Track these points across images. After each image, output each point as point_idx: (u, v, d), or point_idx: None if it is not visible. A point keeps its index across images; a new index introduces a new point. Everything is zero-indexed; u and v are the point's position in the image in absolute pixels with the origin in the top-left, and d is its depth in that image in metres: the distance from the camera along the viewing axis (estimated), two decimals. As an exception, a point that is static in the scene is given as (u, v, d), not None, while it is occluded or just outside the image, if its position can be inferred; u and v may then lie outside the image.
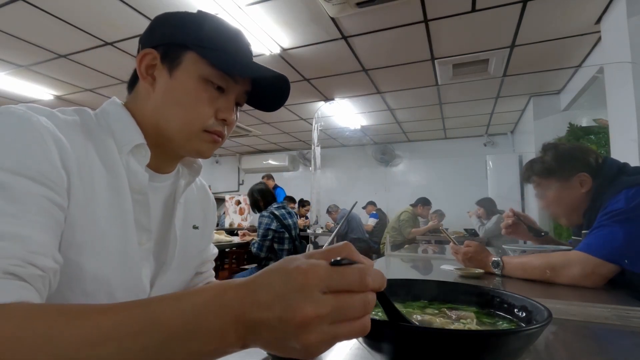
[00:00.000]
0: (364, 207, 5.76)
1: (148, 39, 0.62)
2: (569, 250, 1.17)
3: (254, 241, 3.17)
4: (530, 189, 4.72)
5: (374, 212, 5.65)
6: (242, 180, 8.08)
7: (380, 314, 0.50)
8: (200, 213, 0.76)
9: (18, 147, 0.44)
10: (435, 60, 3.28)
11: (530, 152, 4.41)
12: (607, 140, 2.56)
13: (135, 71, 0.63)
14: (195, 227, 0.73)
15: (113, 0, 2.39)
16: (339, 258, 0.33)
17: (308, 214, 6.08)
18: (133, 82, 0.65)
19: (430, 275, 1.39)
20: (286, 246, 3.10)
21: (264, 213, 3.11)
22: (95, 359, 0.31)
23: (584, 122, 3.37)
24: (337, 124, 5.41)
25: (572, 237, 1.36)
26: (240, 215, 5.48)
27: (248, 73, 0.60)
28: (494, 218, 3.98)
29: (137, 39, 0.64)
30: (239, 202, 5.50)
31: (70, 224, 0.48)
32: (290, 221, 3.14)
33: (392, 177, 6.61)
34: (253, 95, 0.67)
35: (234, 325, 0.32)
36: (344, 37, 2.88)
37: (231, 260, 4.54)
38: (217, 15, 0.63)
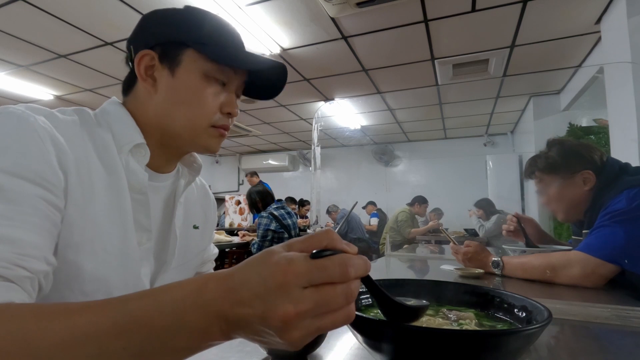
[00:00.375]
0: (364, 207, 5.76)
1: (141, 40, 0.62)
2: (569, 250, 1.17)
3: (254, 242, 3.18)
4: (530, 189, 4.72)
5: (375, 212, 5.65)
6: (242, 180, 8.08)
7: (379, 315, 0.51)
8: (200, 213, 0.76)
9: (15, 147, 0.44)
10: (435, 60, 3.28)
11: (530, 152, 4.40)
12: (607, 140, 2.56)
13: (130, 73, 0.63)
14: (195, 227, 0.73)
15: (113, 0, 2.39)
16: (319, 250, 0.32)
17: (308, 214, 6.08)
18: (129, 83, 0.64)
19: (429, 276, 1.39)
20: None
21: (263, 214, 3.12)
22: (74, 359, 0.30)
23: (584, 122, 3.37)
24: (337, 124, 5.40)
25: (573, 237, 1.36)
26: (240, 215, 5.49)
27: (249, 65, 0.60)
28: (494, 218, 3.98)
29: (137, 39, 0.64)
30: (239, 202, 5.50)
31: (67, 224, 0.48)
32: (289, 221, 3.15)
33: (392, 177, 6.61)
34: (249, 85, 0.67)
35: (217, 322, 0.32)
36: (344, 37, 2.88)
37: (231, 260, 4.54)
38: (206, 9, 0.63)
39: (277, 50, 3.05)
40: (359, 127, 5.54)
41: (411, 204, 4.55)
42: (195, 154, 0.72)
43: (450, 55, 3.18)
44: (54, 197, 0.46)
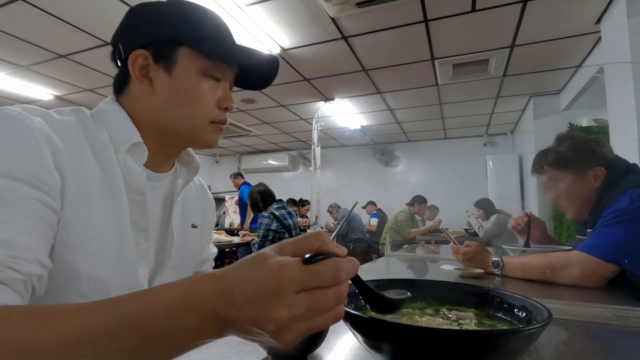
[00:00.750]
0: (364, 207, 5.76)
1: (131, 39, 0.60)
2: (569, 250, 1.17)
3: (254, 241, 3.18)
4: (530, 189, 4.72)
5: (375, 212, 5.65)
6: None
7: (379, 315, 0.51)
8: (198, 212, 0.76)
9: (10, 149, 0.44)
10: (435, 60, 3.28)
11: (530, 152, 4.41)
12: (607, 140, 2.56)
13: (121, 72, 0.62)
14: (193, 226, 0.73)
15: (113, 0, 2.39)
16: (311, 254, 0.32)
17: (308, 214, 6.09)
18: (121, 83, 0.63)
19: (429, 276, 1.39)
20: None
21: (264, 214, 3.12)
22: None
23: (584, 122, 3.37)
24: (337, 124, 5.40)
25: (577, 237, 1.34)
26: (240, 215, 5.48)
27: (244, 59, 0.61)
28: (493, 218, 3.98)
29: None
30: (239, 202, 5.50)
31: (64, 225, 0.48)
32: (290, 221, 3.16)
33: (392, 177, 6.61)
34: (241, 76, 0.68)
35: (211, 322, 0.32)
36: (344, 37, 2.88)
37: (231, 260, 4.55)
38: (195, 3, 0.61)
39: (277, 50, 3.05)
40: (359, 127, 5.54)
41: (411, 204, 4.55)
42: (193, 154, 0.72)
43: (450, 55, 3.18)
44: (49, 199, 0.45)
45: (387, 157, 6.53)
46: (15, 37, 2.87)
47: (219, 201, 5.89)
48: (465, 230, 4.69)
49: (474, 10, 2.49)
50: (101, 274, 0.52)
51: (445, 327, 0.45)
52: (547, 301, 0.68)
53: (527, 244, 1.38)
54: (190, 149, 0.71)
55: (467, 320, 0.46)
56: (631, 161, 1.16)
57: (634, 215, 0.98)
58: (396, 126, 5.60)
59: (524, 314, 0.46)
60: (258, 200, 3.22)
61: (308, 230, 5.49)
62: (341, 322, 0.43)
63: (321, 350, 0.52)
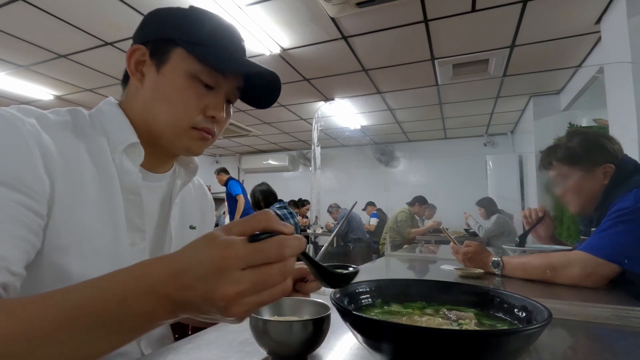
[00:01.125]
0: (363, 209, 5.76)
1: (139, 36, 0.62)
2: (569, 250, 1.17)
3: None
4: (530, 190, 4.72)
5: (375, 212, 5.65)
6: (242, 180, 8.08)
7: (379, 315, 0.51)
8: (197, 213, 0.76)
9: None
10: (435, 60, 3.28)
11: (530, 152, 4.41)
12: (607, 140, 2.55)
13: (126, 69, 0.63)
14: (192, 227, 0.73)
15: (113, 0, 2.38)
16: (257, 233, 0.34)
17: (308, 214, 6.09)
18: (124, 78, 0.65)
19: (429, 276, 1.39)
20: None
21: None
22: (30, 350, 0.32)
23: (584, 122, 3.37)
24: (337, 124, 5.40)
25: (581, 237, 1.34)
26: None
27: (236, 70, 0.59)
28: (493, 218, 3.98)
29: (137, 39, 0.64)
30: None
31: (54, 228, 0.48)
32: (292, 221, 3.18)
33: (392, 177, 6.61)
34: (246, 92, 0.66)
35: (162, 304, 0.34)
36: (344, 37, 2.88)
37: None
38: (209, 10, 0.62)
39: (277, 50, 3.05)
40: (359, 127, 5.54)
41: (411, 204, 4.55)
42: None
43: (450, 55, 3.18)
44: (34, 203, 0.45)
45: (387, 157, 6.53)
46: (15, 37, 2.87)
47: (219, 201, 5.89)
48: (465, 230, 4.69)
49: (474, 10, 2.49)
50: (94, 275, 0.52)
51: (445, 327, 0.45)
52: (547, 301, 0.67)
53: (522, 239, 1.38)
54: None
55: (467, 320, 0.46)
56: (633, 162, 1.15)
57: (637, 215, 0.97)
58: (396, 126, 5.60)
59: (524, 314, 0.46)
60: (260, 199, 3.24)
61: (308, 231, 5.50)
62: (341, 322, 0.43)
63: (321, 350, 0.52)
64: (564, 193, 1.22)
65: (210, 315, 0.34)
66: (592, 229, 1.12)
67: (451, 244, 1.38)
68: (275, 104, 4.83)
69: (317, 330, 0.48)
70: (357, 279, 0.56)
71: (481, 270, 1.18)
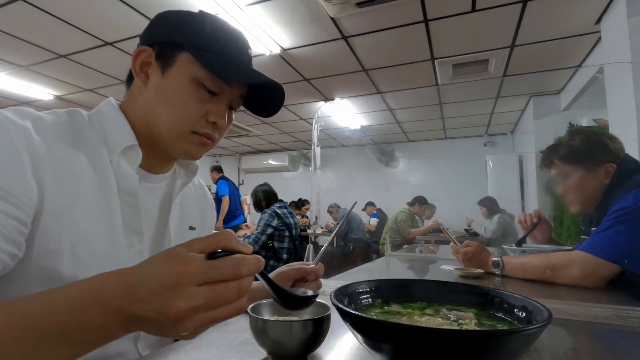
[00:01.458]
0: (363, 209, 5.75)
1: (146, 37, 0.62)
2: (570, 250, 1.17)
3: (247, 234, 3.23)
4: (530, 190, 4.72)
5: (374, 212, 5.65)
6: (242, 180, 8.08)
7: (379, 315, 0.51)
8: (197, 213, 0.76)
9: None
10: (435, 60, 3.28)
11: (530, 152, 4.41)
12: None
13: (130, 69, 0.63)
14: (191, 228, 0.72)
15: (113, 0, 2.38)
16: (216, 250, 0.35)
17: (307, 214, 6.09)
18: (129, 78, 0.65)
19: (429, 276, 1.39)
20: (286, 244, 3.16)
21: (267, 210, 3.20)
22: None
23: (584, 122, 3.37)
24: (337, 124, 5.40)
25: (582, 237, 1.34)
26: (241, 215, 5.47)
27: (241, 78, 0.59)
28: (495, 218, 3.98)
29: (137, 39, 0.64)
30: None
31: (43, 234, 0.48)
32: (291, 220, 3.22)
33: (392, 177, 6.61)
34: (249, 100, 0.66)
35: (115, 318, 0.34)
36: (344, 37, 2.88)
37: (231, 260, 4.55)
38: (218, 16, 0.62)
39: (277, 50, 3.05)
40: (359, 127, 5.54)
41: (411, 204, 4.55)
42: None
43: (450, 55, 3.18)
44: (15, 210, 0.45)
45: (387, 157, 6.53)
46: (15, 37, 2.87)
47: (219, 201, 5.88)
48: (465, 230, 4.69)
49: (474, 10, 2.49)
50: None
51: (445, 327, 0.45)
52: (547, 301, 0.67)
53: (520, 243, 1.38)
54: None
55: (467, 321, 0.46)
56: (632, 161, 1.15)
57: (637, 215, 0.97)
58: (396, 126, 5.60)
59: (524, 314, 0.46)
60: (261, 199, 3.29)
61: (308, 231, 5.50)
62: (341, 322, 0.43)
63: (321, 350, 0.52)
64: (565, 192, 1.21)
65: (164, 330, 0.34)
66: (593, 229, 1.12)
67: (451, 244, 1.38)
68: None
69: (317, 330, 0.48)
70: (357, 279, 0.56)
71: (481, 270, 1.18)
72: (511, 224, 3.87)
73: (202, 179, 0.84)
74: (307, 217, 6.08)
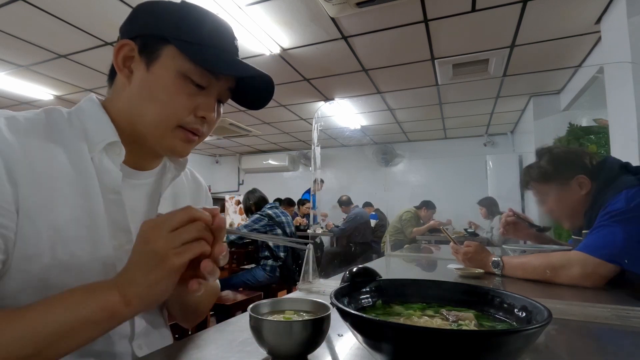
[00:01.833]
0: None
1: (127, 29, 0.60)
2: (569, 250, 1.17)
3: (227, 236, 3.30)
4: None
5: (373, 212, 5.63)
6: (242, 180, 8.08)
7: (379, 315, 0.51)
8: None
9: None
10: (435, 60, 3.28)
11: (530, 152, 4.40)
12: (607, 140, 2.56)
13: (112, 64, 0.61)
14: None
15: (113, 0, 2.38)
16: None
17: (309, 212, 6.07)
18: (111, 74, 0.63)
19: (429, 276, 1.39)
20: (281, 242, 3.19)
21: (257, 213, 3.29)
22: None
23: (584, 122, 3.37)
24: (337, 124, 5.40)
25: (573, 237, 1.36)
26: (241, 215, 5.49)
27: (230, 71, 0.57)
28: (496, 219, 3.98)
29: (137, 39, 0.64)
30: (238, 202, 5.50)
31: (21, 237, 0.47)
32: (283, 219, 3.28)
33: (392, 177, 6.61)
34: (237, 92, 0.65)
35: (112, 289, 0.47)
36: (344, 37, 2.88)
37: (231, 260, 4.54)
38: (203, 7, 0.60)
39: (277, 50, 3.05)
40: (359, 127, 5.53)
41: (418, 207, 4.55)
42: None
43: (450, 55, 3.18)
44: None
45: (387, 157, 6.52)
46: (15, 37, 2.86)
47: (219, 201, 5.88)
48: (465, 230, 4.69)
49: (474, 10, 2.49)
50: (74, 283, 0.50)
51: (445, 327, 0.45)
52: (547, 301, 0.67)
53: (540, 229, 1.42)
54: None
55: (467, 321, 0.46)
56: (631, 161, 1.16)
57: (632, 215, 0.98)
58: (396, 126, 5.60)
59: (524, 314, 0.46)
60: (251, 204, 3.40)
61: (308, 231, 5.49)
62: (341, 322, 0.43)
63: (321, 350, 0.52)
64: (548, 210, 1.26)
65: (151, 272, 0.45)
66: (584, 232, 1.13)
67: (451, 244, 1.38)
68: (275, 104, 4.83)
69: (317, 330, 0.48)
70: (358, 279, 0.56)
71: (481, 270, 1.18)
72: None
73: (203, 178, 0.83)
74: (306, 218, 6.07)
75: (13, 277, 0.48)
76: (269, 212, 3.25)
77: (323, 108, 4.53)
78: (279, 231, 3.20)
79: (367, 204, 5.76)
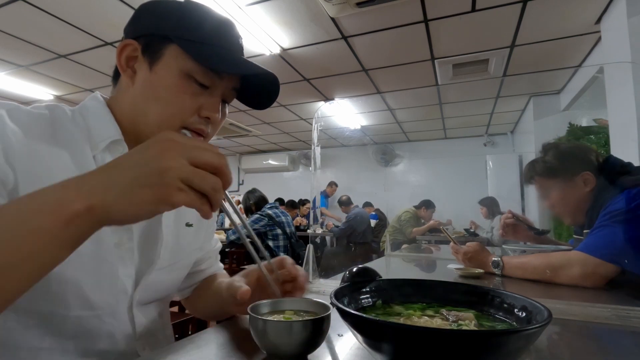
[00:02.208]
0: None
1: (130, 30, 0.60)
2: (569, 250, 1.17)
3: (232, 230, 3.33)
4: (530, 190, 4.72)
5: (373, 212, 5.62)
6: (242, 180, 8.08)
7: (379, 315, 0.51)
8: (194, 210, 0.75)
9: None
10: (435, 60, 3.28)
11: (530, 152, 4.40)
12: (607, 140, 2.56)
13: (116, 64, 0.60)
14: (188, 225, 0.70)
15: (113, 0, 2.38)
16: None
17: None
18: (115, 74, 0.62)
19: (429, 275, 1.39)
20: (281, 243, 3.21)
21: (257, 213, 3.30)
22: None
23: (584, 122, 3.37)
24: (337, 124, 5.40)
25: (574, 237, 1.35)
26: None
27: (234, 70, 0.57)
28: (497, 219, 3.97)
29: (137, 39, 0.63)
30: (239, 202, 5.50)
31: None
32: (283, 218, 3.27)
33: (392, 177, 6.60)
34: (242, 92, 0.64)
35: (70, 188, 0.36)
36: (344, 37, 2.88)
37: (231, 260, 4.54)
38: (207, 6, 0.59)
39: (277, 50, 3.05)
40: (359, 127, 5.53)
41: (418, 207, 4.55)
42: None
43: (450, 55, 3.18)
44: None
45: (387, 157, 6.52)
46: (15, 37, 2.87)
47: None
48: (466, 230, 4.69)
49: (474, 10, 2.49)
50: (73, 275, 0.50)
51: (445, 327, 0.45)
52: (547, 301, 0.67)
53: (539, 233, 1.43)
54: None
55: (467, 321, 0.46)
56: (631, 161, 1.16)
57: (632, 215, 0.98)
58: (396, 126, 5.60)
59: (524, 314, 0.46)
60: (252, 204, 3.41)
61: (308, 231, 5.49)
62: (341, 322, 0.43)
63: (321, 350, 0.52)
64: (551, 205, 1.25)
65: (144, 190, 0.35)
66: (585, 232, 1.13)
67: (451, 244, 1.38)
68: (275, 104, 4.84)
69: (317, 330, 0.48)
70: (358, 279, 0.56)
71: (481, 270, 1.18)
72: None
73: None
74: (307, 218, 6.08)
75: None
76: (269, 212, 3.27)
77: (323, 108, 4.53)
78: (279, 231, 3.21)
79: (367, 204, 5.75)
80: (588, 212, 1.16)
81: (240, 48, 0.62)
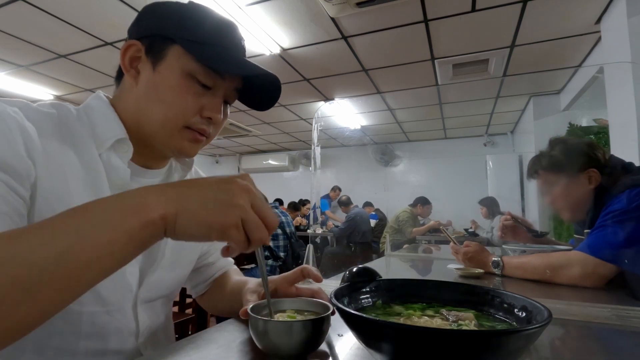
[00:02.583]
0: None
1: (134, 30, 0.60)
2: (569, 250, 1.17)
3: None
4: (530, 190, 4.73)
5: (373, 212, 5.63)
6: (242, 180, 8.06)
7: (379, 315, 0.51)
8: None
9: None
10: (435, 60, 3.28)
11: (530, 152, 4.41)
12: (607, 140, 2.55)
13: (120, 65, 0.61)
14: None
15: (113, 0, 2.38)
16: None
17: (309, 213, 6.08)
18: (118, 74, 0.63)
19: (430, 276, 1.39)
20: (281, 243, 3.20)
21: None
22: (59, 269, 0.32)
23: (584, 122, 3.37)
24: (337, 124, 5.40)
25: (574, 236, 1.35)
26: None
27: (236, 71, 0.57)
28: (496, 220, 3.98)
29: (137, 39, 0.64)
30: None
31: (38, 218, 0.47)
32: (283, 219, 3.26)
33: (392, 177, 6.61)
34: (244, 93, 0.65)
35: (150, 193, 0.38)
36: (344, 37, 2.88)
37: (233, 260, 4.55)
38: (209, 7, 0.60)
39: (277, 50, 3.05)
40: (359, 127, 5.53)
41: (413, 205, 4.54)
42: None
43: (450, 55, 3.18)
44: (16, 184, 0.45)
45: (387, 157, 6.53)
46: (15, 37, 2.87)
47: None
48: (466, 230, 4.69)
49: (474, 10, 2.49)
50: None
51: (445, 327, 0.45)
52: (547, 301, 0.68)
53: (537, 235, 1.42)
54: None
55: (467, 321, 0.46)
56: (633, 162, 1.16)
57: (633, 215, 0.98)
58: (396, 126, 5.60)
59: (524, 314, 0.46)
60: None
61: (308, 231, 5.49)
62: (341, 322, 0.43)
63: (321, 350, 0.52)
64: (552, 200, 1.24)
65: (211, 207, 0.38)
66: (586, 231, 1.13)
67: (451, 244, 1.38)
68: (276, 104, 4.85)
69: (317, 330, 0.48)
70: (358, 279, 0.56)
71: (481, 270, 1.18)
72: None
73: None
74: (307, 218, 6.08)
75: None
76: None
77: (323, 108, 4.53)
78: (279, 231, 3.21)
79: (367, 204, 5.76)
80: (589, 212, 1.15)
81: (242, 50, 0.63)
